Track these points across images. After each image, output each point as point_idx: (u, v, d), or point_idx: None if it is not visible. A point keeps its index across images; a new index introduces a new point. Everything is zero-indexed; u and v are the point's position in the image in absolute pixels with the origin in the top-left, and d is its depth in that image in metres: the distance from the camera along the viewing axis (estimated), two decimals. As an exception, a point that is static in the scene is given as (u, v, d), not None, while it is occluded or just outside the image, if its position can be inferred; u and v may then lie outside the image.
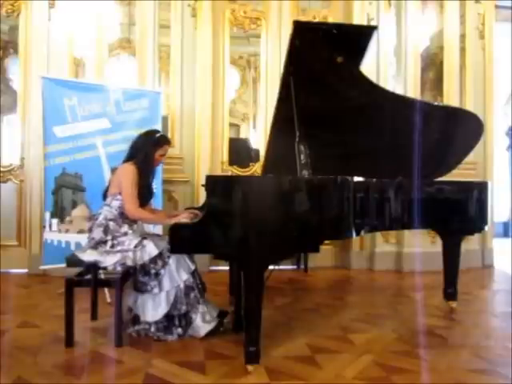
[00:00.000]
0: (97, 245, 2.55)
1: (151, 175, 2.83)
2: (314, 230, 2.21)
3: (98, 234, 2.57)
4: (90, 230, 2.63)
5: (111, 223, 2.59)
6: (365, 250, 4.73)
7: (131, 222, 2.67)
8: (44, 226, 3.72)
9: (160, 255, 2.54)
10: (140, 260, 2.53)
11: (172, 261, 2.55)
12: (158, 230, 3.73)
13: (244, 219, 2.09)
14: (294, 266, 4.70)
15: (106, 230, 2.57)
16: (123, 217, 2.63)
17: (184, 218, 2.51)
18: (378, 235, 4.62)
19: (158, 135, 2.79)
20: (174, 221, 2.44)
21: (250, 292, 2.14)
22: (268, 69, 4.80)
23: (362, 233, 2.62)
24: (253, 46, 5.18)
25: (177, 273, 2.55)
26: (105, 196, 2.71)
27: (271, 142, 2.98)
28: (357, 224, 2.44)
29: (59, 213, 3.72)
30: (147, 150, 2.72)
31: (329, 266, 4.75)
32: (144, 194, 2.69)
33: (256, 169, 4.79)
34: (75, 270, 2.57)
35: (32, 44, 4.38)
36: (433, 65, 4.92)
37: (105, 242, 2.55)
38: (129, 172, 2.63)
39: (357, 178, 2.49)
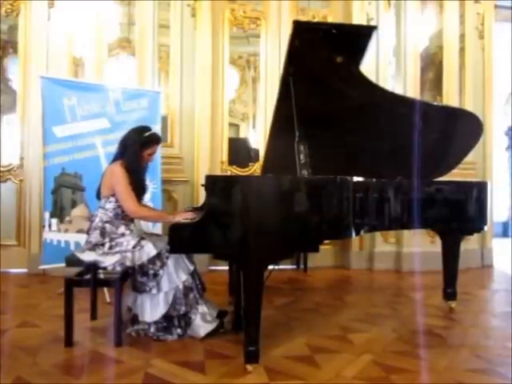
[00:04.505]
0: (94, 247, 2.55)
1: (142, 173, 2.76)
2: (313, 230, 2.21)
3: (95, 237, 2.56)
4: (88, 232, 2.63)
5: (107, 225, 2.57)
6: (364, 250, 4.73)
7: (128, 222, 2.64)
8: (43, 226, 3.72)
9: (158, 256, 2.54)
10: (138, 260, 2.52)
11: (170, 262, 2.55)
12: (158, 229, 3.73)
13: (244, 219, 2.09)
14: (294, 266, 4.71)
15: (103, 233, 2.56)
16: (119, 218, 2.61)
17: (185, 217, 2.50)
18: (378, 235, 4.62)
19: (146, 135, 2.69)
20: (176, 219, 2.44)
21: (249, 292, 2.15)
22: (267, 69, 4.80)
23: (362, 232, 2.63)
24: (252, 46, 5.18)
25: (175, 274, 2.55)
26: (98, 195, 2.69)
27: (271, 142, 2.98)
28: (356, 224, 2.44)
29: (59, 212, 3.72)
30: (135, 149, 2.65)
31: (328, 266, 4.75)
32: (135, 193, 2.63)
33: (255, 169, 4.79)
34: (75, 270, 2.57)
35: (31, 44, 4.38)
36: (432, 65, 4.93)
37: (103, 245, 2.54)
38: (118, 175, 2.57)
39: (356, 178, 2.49)
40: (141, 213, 2.65)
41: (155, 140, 2.75)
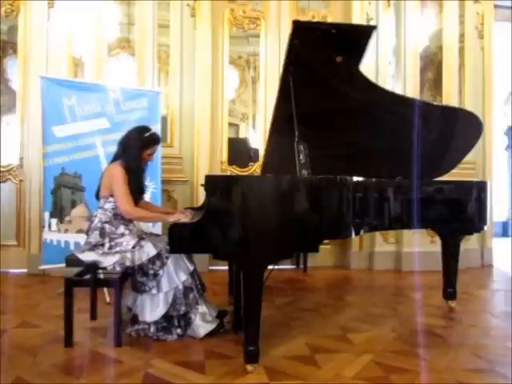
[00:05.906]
0: (94, 247, 2.55)
1: (141, 173, 2.76)
2: (313, 230, 2.21)
3: (94, 237, 2.56)
4: (87, 233, 2.63)
5: (107, 226, 2.57)
6: (364, 250, 4.73)
7: (127, 222, 2.64)
8: (43, 226, 3.72)
9: (158, 256, 2.54)
10: (138, 260, 2.52)
11: (170, 262, 2.55)
12: (157, 229, 3.73)
13: (243, 219, 2.09)
14: (294, 266, 4.71)
15: (103, 233, 2.56)
16: (118, 218, 2.61)
17: (183, 217, 2.50)
18: (378, 235, 4.62)
19: (146, 135, 2.68)
20: (172, 219, 2.44)
21: (249, 292, 2.14)
22: (267, 68, 4.80)
23: (362, 232, 2.63)
24: (252, 46, 5.18)
25: (175, 274, 2.55)
26: (97, 195, 2.69)
27: (270, 142, 2.99)
28: (356, 224, 2.44)
29: (58, 213, 3.72)
30: (135, 149, 2.65)
31: (328, 266, 4.75)
32: (134, 192, 2.63)
33: (255, 168, 4.79)
34: (74, 270, 2.57)
35: (31, 44, 4.38)
36: (432, 64, 4.93)
37: (102, 245, 2.54)
38: (117, 175, 2.57)
39: (356, 178, 2.49)
40: (135, 214, 2.62)
41: (155, 140, 2.75)
